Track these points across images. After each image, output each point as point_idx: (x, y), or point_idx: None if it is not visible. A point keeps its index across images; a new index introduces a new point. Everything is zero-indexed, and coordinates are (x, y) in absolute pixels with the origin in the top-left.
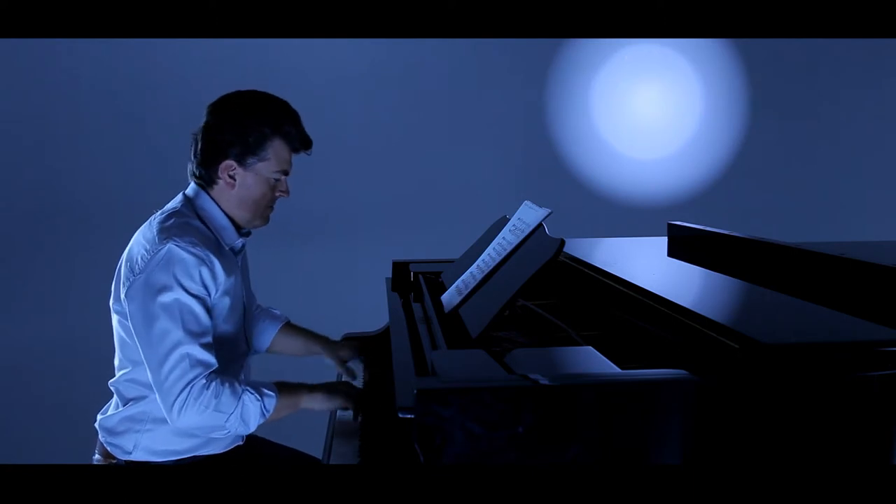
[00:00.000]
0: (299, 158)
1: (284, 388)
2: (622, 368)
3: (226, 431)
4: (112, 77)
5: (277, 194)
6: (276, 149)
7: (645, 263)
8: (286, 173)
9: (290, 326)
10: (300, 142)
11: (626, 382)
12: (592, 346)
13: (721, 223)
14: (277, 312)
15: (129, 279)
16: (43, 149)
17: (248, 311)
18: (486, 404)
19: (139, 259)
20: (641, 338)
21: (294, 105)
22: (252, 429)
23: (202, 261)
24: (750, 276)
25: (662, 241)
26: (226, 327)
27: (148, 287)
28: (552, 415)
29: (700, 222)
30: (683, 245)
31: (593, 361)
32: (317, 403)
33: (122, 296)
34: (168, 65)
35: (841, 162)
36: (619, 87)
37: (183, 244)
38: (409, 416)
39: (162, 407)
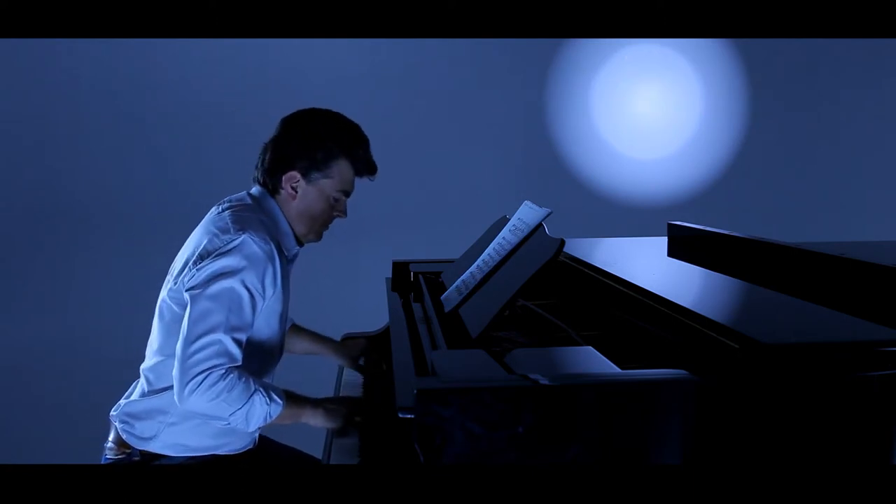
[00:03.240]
0: None
1: (291, 400)
2: (622, 368)
3: (225, 423)
4: (112, 77)
5: (335, 214)
6: (342, 168)
7: (645, 263)
8: (347, 194)
9: (296, 327)
10: (365, 166)
11: (626, 382)
12: (592, 346)
13: (721, 223)
14: None
15: (197, 264)
16: (43, 149)
17: (287, 320)
18: (486, 404)
19: (210, 246)
20: (641, 338)
21: (294, 105)
22: (251, 429)
23: (270, 258)
24: (750, 276)
25: (662, 241)
26: (271, 333)
27: (213, 269)
28: (552, 415)
29: (700, 222)
30: (683, 245)
31: (593, 361)
32: (316, 421)
33: (191, 275)
34: (168, 65)
35: (841, 162)
36: (619, 87)
37: (257, 239)
38: (409, 416)
39: (175, 381)
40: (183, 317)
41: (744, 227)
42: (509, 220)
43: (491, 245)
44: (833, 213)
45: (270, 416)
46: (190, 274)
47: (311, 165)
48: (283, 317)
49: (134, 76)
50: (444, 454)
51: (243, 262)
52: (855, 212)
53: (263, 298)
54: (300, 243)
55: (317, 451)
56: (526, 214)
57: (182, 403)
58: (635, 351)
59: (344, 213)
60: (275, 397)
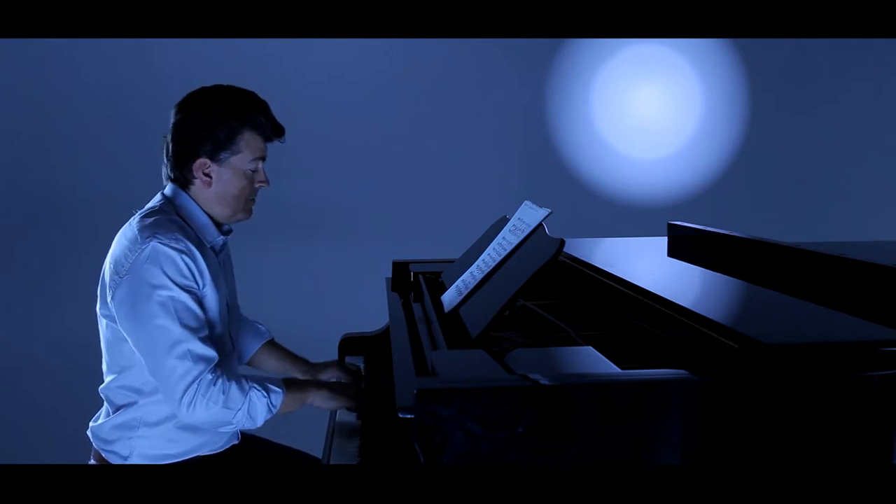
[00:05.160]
0: (301, 159)
1: (292, 385)
2: (622, 368)
3: (233, 427)
4: (113, 77)
5: (257, 185)
6: (248, 140)
7: (645, 263)
8: (262, 160)
9: (273, 344)
10: (272, 130)
11: (626, 382)
12: (592, 346)
13: (721, 223)
14: (262, 328)
15: (115, 281)
16: (43, 149)
17: (231, 310)
18: (486, 404)
19: (123, 260)
20: (641, 338)
21: (294, 105)
22: (259, 424)
23: (186, 253)
24: (750, 276)
25: (662, 241)
26: (213, 328)
27: (138, 287)
28: (552, 415)
29: (700, 222)
30: (683, 245)
31: (593, 361)
32: (321, 401)
33: (109, 299)
34: (168, 65)
35: (841, 162)
36: (619, 87)
37: (166, 240)
38: (409, 416)
39: (170, 404)
40: (118, 332)
41: (744, 227)
42: (509, 220)
43: (491, 245)
44: (833, 213)
45: (274, 406)
46: (119, 300)
47: (217, 146)
48: (222, 311)
49: (134, 76)
50: (444, 454)
51: (164, 268)
52: (855, 212)
53: (200, 290)
54: (224, 232)
55: (317, 452)
56: (526, 214)
57: (187, 421)
58: (635, 351)
59: (266, 182)
60: (272, 387)
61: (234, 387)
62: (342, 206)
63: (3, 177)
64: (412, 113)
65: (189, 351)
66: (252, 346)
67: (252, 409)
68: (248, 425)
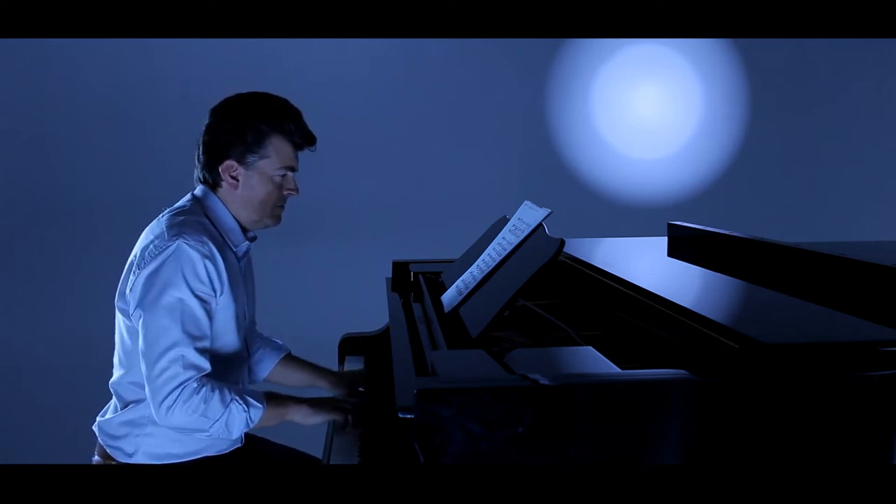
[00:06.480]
0: (301, 159)
1: (273, 400)
2: (622, 368)
3: (207, 435)
4: (113, 77)
5: (286, 192)
6: (277, 146)
7: (645, 263)
8: (292, 170)
9: (291, 358)
10: (301, 138)
11: (626, 382)
12: (592, 346)
13: (721, 223)
14: (279, 342)
15: (135, 273)
16: (43, 149)
17: (249, 319)
18: (486, 404)
19: (147, 254)
20: (641, 338)
21: (294, 104)
22: (234, 437)
23: (209, 258)
24: (750, 276)
25: (662, 241)
26: (228, 334)
27: (154, 281)
28: (552, 415)
29: (700, 222)
30: (683, 245)
31: (593, 361)
32: (301, 417)
33: (128, 290)
34: (168, 65)
35: (841, 162)
36: (619, 87)
37: (192, 242)
38: (409, 416)
39: (150, 402)
40: (133, 328)
41: (744, 227)
42: (509, 220)
43: (491, 245)
44: (833, 213)
45: (252, 421)
46: (134, 291)
47: (245, 150)
48: (240, 318)
49: (134, 76)
50: (444, 454)
51: (183, 270)
52: (855, 212)
53: (216, 298)
54: (249, 238)
55: (317, 452)
56: (526, 214)
57: (162, 423)
58: (635, 351)
59: (295, 190)
60: (252, 402)
61: (216, 397)
62: (342, 206)
63: (3, 177)
64: (412, 113)
65: (183, 356)
66: (270, 362)
67: (230, 422)
68: (223, 436)
